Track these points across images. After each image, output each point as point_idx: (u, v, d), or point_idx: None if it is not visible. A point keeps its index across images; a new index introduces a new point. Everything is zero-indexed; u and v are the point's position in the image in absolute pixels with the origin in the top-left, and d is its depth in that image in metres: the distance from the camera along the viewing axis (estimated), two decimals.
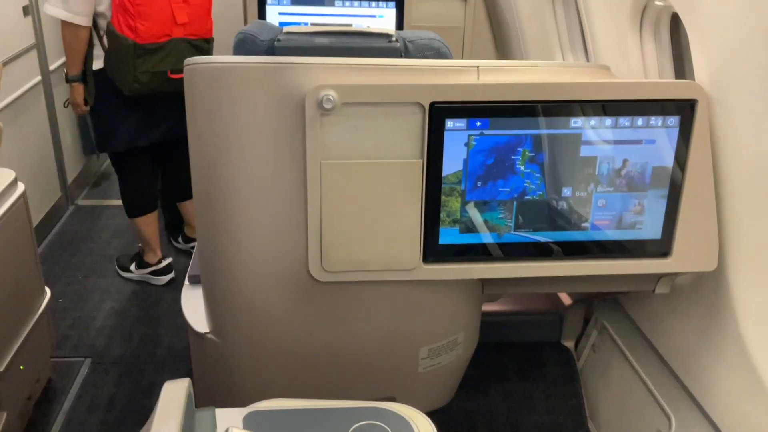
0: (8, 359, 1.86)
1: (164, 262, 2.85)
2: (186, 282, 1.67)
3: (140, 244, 2.89)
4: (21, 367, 1.96)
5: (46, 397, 2.19)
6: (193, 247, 3.03)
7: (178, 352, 2.45)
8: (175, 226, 3.18)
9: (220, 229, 1.39)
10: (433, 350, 1.54)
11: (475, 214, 1.36)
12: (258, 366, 1.47)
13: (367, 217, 1.33)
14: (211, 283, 1.45)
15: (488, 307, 2.19)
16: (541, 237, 1.39)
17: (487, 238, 1.38)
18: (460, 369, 1.69)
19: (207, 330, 1.50)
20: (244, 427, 1.13)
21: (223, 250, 1.40)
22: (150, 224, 2.79)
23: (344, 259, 1.35)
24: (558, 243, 1.40)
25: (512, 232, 1.38)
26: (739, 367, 1.45)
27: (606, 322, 2.09)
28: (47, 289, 2.19)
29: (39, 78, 3.24)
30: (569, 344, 2.19)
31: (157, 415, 0.64)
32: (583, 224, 1.39)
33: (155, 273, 2.85)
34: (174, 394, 0.67)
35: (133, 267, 2.89)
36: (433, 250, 1.37)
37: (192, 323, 1.53)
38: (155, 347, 2.48)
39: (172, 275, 2.87)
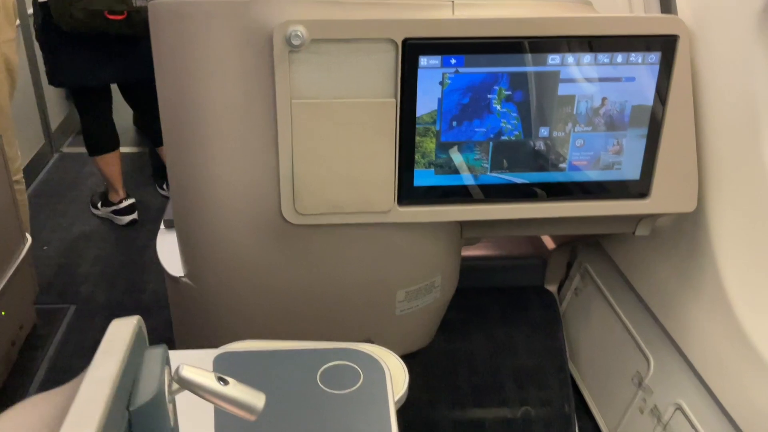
0: None
1: (125, 202, 2.86)
2: (162, 227, 1.66)
3: (105, 183, 2.90)
4: (2, 313, 1.96)
5: (31, 343, 2.20)
6: None
7: (163, 299, 2.45)
8: (160, 173, 3.16)
9: (191, 172, 1.36)
10: (410, 293, 1.54)
11: (450, 155, 1.33)
12: (233, 309, 1.46)
13: (340, 158, 1.30)
14: (184, 227, 1.44)
15: (471, 252, 2.18)
16: (517, 178, 1.37)
17: (462, 179, 1.36)
18: (439, 312, 1.69)
19: (182, 274, 1.48)
20: (214, 369, 1.13)
21: (194, 193, 1.38)
22: (110, 164, 2.77)
23: (317, 202, 1.32)
24: (535, 184, 1.38)
25: (489, 173, 1.36)
26: (717, 308, 1.45)
27: (588, 266, 2.08)
28: (28, 236, 2.18)
29: (17, 22, 3.16)
30: (552, 288, 2.19)
31: (99, 351, 0.62)
32: (561, 165, 1.37)
33: (117, 212, 2.87)
34: (120, 331, 0.66)
35: (99, 204, 2.92)
36: (408, 192, 1.35)
37: (167, 267, 1.51)
38: (140, 294, 2.49)
39: (134, 216, 2.89)
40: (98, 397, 0.54)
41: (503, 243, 2.22)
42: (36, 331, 2.25)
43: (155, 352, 0.70)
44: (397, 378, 1.15)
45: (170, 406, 0.70)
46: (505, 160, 1.35)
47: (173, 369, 0.71)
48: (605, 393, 1.95)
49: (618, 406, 1.86)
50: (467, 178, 1.36)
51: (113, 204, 2.88)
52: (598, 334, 2.01)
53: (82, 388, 0.56)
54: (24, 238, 2.14)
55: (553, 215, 1.40)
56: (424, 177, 1.35)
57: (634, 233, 1.61)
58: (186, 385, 0.70)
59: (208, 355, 1.15)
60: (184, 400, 0.85)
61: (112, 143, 2.76)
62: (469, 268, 2.15)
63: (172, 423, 0.69)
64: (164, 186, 3.14)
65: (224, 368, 1.13)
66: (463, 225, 1.56)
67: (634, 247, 1.80)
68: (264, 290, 1.43)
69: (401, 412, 1.93)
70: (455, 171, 1.35)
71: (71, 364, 2.12)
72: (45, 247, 2.74)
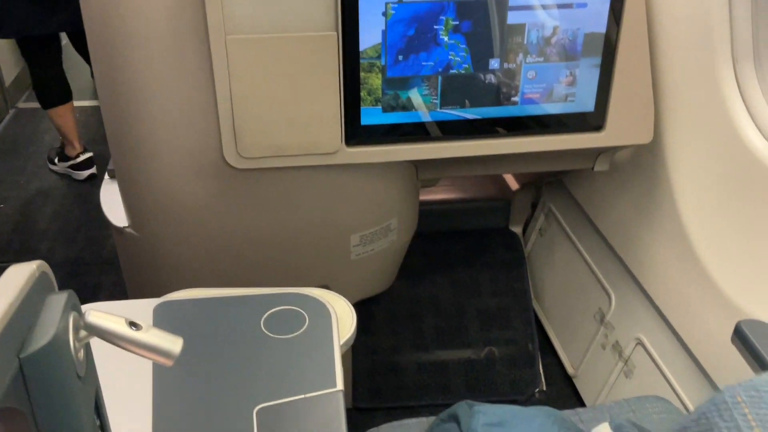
0: None
1: (83, 157, 2.79)
2: (106, 176, 1.60)
3: (61, 138, 2.81)
4: None
5: None
6: None
7: None
8: None
9: (127, 119, 1.30)
10: (365, 237, 1.50)
11: (398, 91, 1.28)
12: (181, 258, 1.42)
13: (282, 97, 1.24)
14: (125, 176, 1.38)
15: (435, 196, 2.15)
16: (469, 114, 1.32)
17: (411, 117, 1.31)
18: (397, 256, 1.66)
19: (126, 224, 1.43)
20: (154, 318, 1.09)
21: (132, 141, 1.32)
22: (63, 116, 2.68)
23: (261, 144, 1.27)
24: (487, 119, 1.33)
25: (438, 109, 1.31)
26: (675, 241, 1.43)
27: (552, 206, 2.06)
28: None
29: None
30: (517, 229, 2.17)
31: None
32: (513, 98, 1.32)
33: (75, 167, 2.79)
34: (14, 275, 0.61)
35: (56, 160, 2.84)
36: (355, 132, 1.30)
37: (111, 218, 1.46)
38: (100, 249, 2.43)
39: (92, 170, 2.81)
40: None
41: (467, 186, 2.19)
42: None
43: (57, 298, 0.65)
44: (344, 321, 1.12)
45: (80, 355, 0.66)
46: (455, 95, 1.30)
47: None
48: (568, 331, 1.95)
49: (581, 343, 1.86)
50: (417, 116, 1.31)
51: (70, 159, 2.80)
52: (561, 273, 2.00)
53: None
54: None
55: (507, 151, 1.36)
56: (371, 115, 1.29)
57: (593, 169, 1.58)
58: (94, 331, 0.66)
59: (149, 304, 1.11)
60: (122, 352, 0.82)
61: (64, 95, 2.67)
62: (433, 212, 2.12)
63: (81, 372, 0.66)
64: None
65: (165, 317, 1.10)
66: (418, 166, 1.52)
67: (594, 184, 1.77)
68: (211, 237, 1.39)
69: (366, 357, 1.93)
70: (404, 108, 1.30)
71: None
72: (2, 205, 2.66)
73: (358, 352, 1.91)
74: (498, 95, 1.31)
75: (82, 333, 0.66)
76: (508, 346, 1.93)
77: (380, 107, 1.29)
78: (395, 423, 1.27)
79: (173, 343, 0.69)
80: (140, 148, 1.31)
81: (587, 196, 1.83)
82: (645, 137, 1.38)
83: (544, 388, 1.90)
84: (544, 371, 1.93)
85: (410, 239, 1.68)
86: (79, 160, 2.78)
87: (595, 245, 1.82)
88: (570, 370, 1.90)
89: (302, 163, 1.31)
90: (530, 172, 2.09)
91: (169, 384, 0.98)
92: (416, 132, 1.33)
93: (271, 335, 1.07)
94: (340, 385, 0.99)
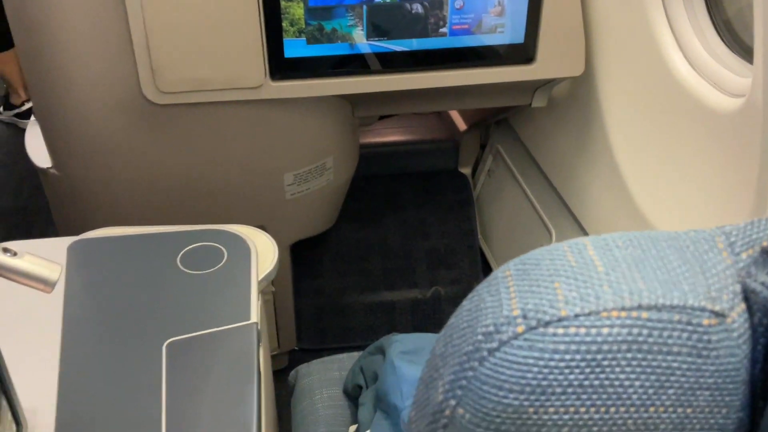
0: None
1: (27, 105, 2.71)
2: (32, 118, 1.55)
3: (5, 85, 2.73)
4: None
5: None
6: None
7: None
8: None
9: (41, 53, 1.25)
10: (299, 176, 1.48)
11: (321, 22, 1.24)
12: (105, 198, 1.39)
13: (200, 27, 1.20)
14: (44, 114, 1.34)
15: (383, 138, 2.12)
16: (396, 46, 1.29)
17: (337, 49, 1.27)
18: (335, 195, 1.64)
19: (49, 165, 1.40)
20: (68, 257, 1.07)
21: (47, 76, 1.27)
22: (7, 63, 2.59)
23: (180, 78, 1.23)
24: (416, 52, 1.30)
25: (365, 41, 1.28)
26: (608, 174, 1.43)
27: (500, 146, 2.05)
28: None
29: None
30: (466, 171, 2.16)
31: None
32: (441, 30, 1.29)
33: (20, 115, 2.72)
34: None
35: (1, 108, 2.76)
36: (280, 65, 1.27)
37: (34, 159, 1.42)
38: (46, 199, 2.38)
39: None
40: None
41: (415, 127, 2.16)
42: None
43: None
44: (265, 256, 1.11)
45: None
46: (382, 27, 1.27)
47: None
48: None
49: None
50: (342, 47, 1.28)
51: (15, 107, 2.72)
52: (508, 213, 2.01)
53: None
54: None
55: (437, 85, 1.34)
56: (295, 47, 1.26)
57: (530, 105, 1.56)
58: None
59: (63, 243, 1.09)
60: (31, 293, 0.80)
61: (6, 41, 2.57)
62: (380, 155, 2.10)
63: None
64: None
65: (79, 256, 1.08)
66: (353, 102, 1.49)
67: (536, 122, 1.76)
68: (135, 176, 1.36)
69: (312, 299, 1.93)
70: (329, 40, 1.26)
71: None
72: None
73: (303, 295, 1.91)
74: (426, 26, 1.28)
75: None
76: (454, 285, 1.94)
77: (304, 39, 1.25)
78: (326, 358, 1.28)
79: (51, 270, 0.67)
80: (56, 84, 1.26)
81: (531, 134, 1.82)
82: (576, 69, 1.37)
83: None
84: None
85: (349, 178, 1.66)
86: (24, 108, 2.70)
87: (538, 184, 1.82)
88: None
89: (225, 98, 1.27)
90: (477, 113, 2.07)
91: (79, 322, 0.97)
92: (344, 65, 1.29)
93: (188, 271, 1.05)
94: (254, 317, 0.99)
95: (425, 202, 2.09)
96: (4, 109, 2.77)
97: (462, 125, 2.15)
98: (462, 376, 0.36)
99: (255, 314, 0.99)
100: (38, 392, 0.87)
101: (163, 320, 0.97)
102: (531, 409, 0.34)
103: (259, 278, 1.06)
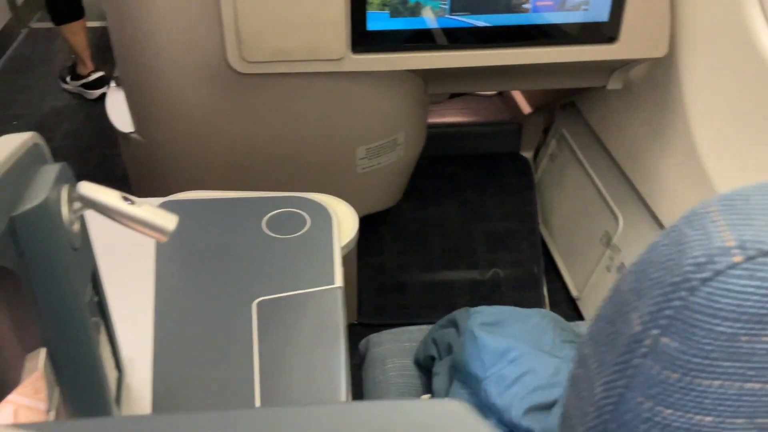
0: None
1: (94, 75, 2.77)
2: (112, 84, 1.59)
3: (73, 56, 2.79)
4: None
5: None
6: None
7: None
8: None
9: (131, 22, 1.28)
10: (371, 150, 1.49)
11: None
12: (185, 164, 1.42)
13: None
14: (130, 81, 1.37)
15: (446, 119, 2.12)
16: (478, 21, 1.29)
17: (420, 23, 1.28)
18: (403, 172, 1.65)
19: (131, 130, 1.43)
20: None
21: (136, 45, 1.30)
22: (76, 33, 2.65)
23: (265, 48, 1.25)
24: (498, 28, 1.30)
25: (448, 15, 1.28)
26: (686, 162, 1.41)
27: (565, 130, 2.03)
28: None
29: None
30: (528, 154, 2.15)
31: None
32: (525, 6, 1.28)
33: (86, 86, 2.78)
34: (7, 142, 0.61)
35: (68, 78, 2.83)
36: (362, 38, 1.28)
37: (116, 124, 1.46)
38: (113, 167, 2.45)
39: (103, 89, 2.79)
40: None
41: (478, 109, 2.16)
42: None
43: (50, 168, 0.66)
44: (346, 225, 1.13)
45: (75, 227, 0.67)
46: (465, 1, 1.27)
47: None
48: (574, 254, 1.95)
49: (585, 266, 1.87)
50: (425, 21, 1.28)
51: (82, 77, 2.79)
52: (571, 198, 1.99)
53: None
54: None
55: (517, 62, 1.33)
56: (378, 20, 1.27)
57: (606, 87, 1.55)
58: (87, 202, 0.67)
59: (152, 203, 1.12)
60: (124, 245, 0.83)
61: (77, 11, 2.63)
62: (443, 135, 2.10)
63: (76, 244, 0.67)
64: None
65: None
66: (426, 79, 1.49)
67: (607, 106, 1.74)
68: (215, 143, 1.38)
69: (372, 276, 1.94)
70: (412, 13, 1.27)
71: None
72: (15, 122, 2.67)
73: (364, 271, 1.93)
74: (509, 2, 1.27)
75: (77, 205, 0.67)
76: (514, 268, 1.94)
77: (388, 12, 1.26)
78: (396, 329, 1.29)
79: (168, 220, 0.70)
80: (144, 52, 1.30)
81: (600, 118, 1.80)
82: (659, 50, 1.34)
83: (548, 310, 1.92)
84: (548, 294, 1.94)
85: (417, 155, 1.67)
86: (91, 78, 2.77)
87: (605, 169, 1.80)
88: (574, 292, 1.91)
89: (307, 69, 1.29)
90: (542, 96, 2.05)
91: (171, 279, 1.00)
92: (425, 40, 1.30)
93: (273, 235, 1.08)
94: (339, 282, 1.00)
95: (486, 185, 2.08)
96: (71, 79, 2.84)
97: (526, 108, 2.13)
98: (667, 306, 0.36)
99: (339, 279, 1.01)
100: (134, 344, 0.90)
101: (251, 280, 1.00)
102: (744, 338, 0.35)
103: (341, 245, 1.08)
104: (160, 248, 1.04)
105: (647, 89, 1.52)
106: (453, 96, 2.03)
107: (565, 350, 0.94)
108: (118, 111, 1.48)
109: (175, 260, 1.03)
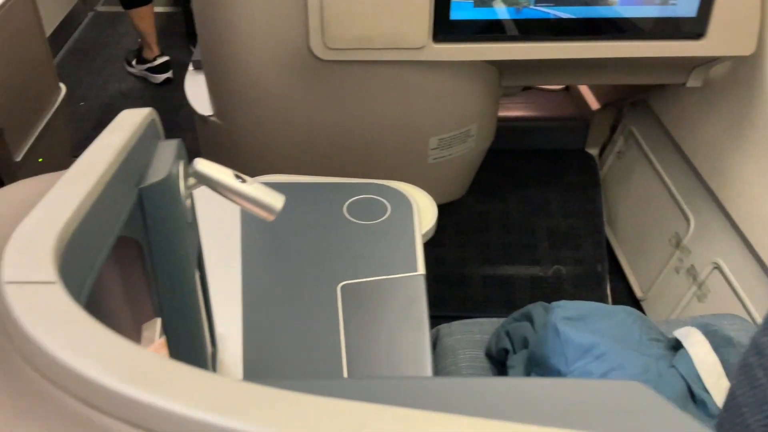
0: (25, 150, 1.87)
1: (160, 60, 2.81)
2: (190, 67, 1.62)
3: (140, 39, 2.84)
4: (40, 160, 1.99)
5: None
6: None
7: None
8: (194, 33, 3.09)
9: (218, 9, 1.30)
10: (443, 141, 1.49)
11: None
12: (261, 147, 1.44)
13: None
14: (211, 64, 1.39)
15: (511, 113, 2.10)
16: (564, 13, 1.27)
17: (503, 13, 1.27)
18: (473, 164, 1.64)
19: (210, 113, 1.46)
20: None
21: (220, 28, 1.32)
22: (144, 18, 2.70)
23: (347, 35, 1.26)
24: (583, 20, 1.28)
25: (532, 6, 1.26)
26: (766, 162, 1.37)
27: (634, 128, 2.00)
28: (62, 86, 2.16)
29: None
30: (593, 151, 2.12)
31: (104, 130, 0.60)
32: None
33: (151, 70, 2.83)
34: (129, 116, 0.63)
35: (134, 62, 2.88)
36: (444, 27, 1.27)
37: (195, 106, 1.49)
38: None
39: (168, 74, 2.84)
40: (101, 158, 0.52)
41: (545, 104, 2.13)
42: None
43: (168, 143, 0.67)
44: (425, 213, 1.13)
45: (188, 202, 0.68)
46: None
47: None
48: (640, 255, 1.91)
49: (652, 267, 1.83)
50: (509, 12, 1.27)
51: (148, 61, 2.84)
52: (638, 197, 1.96)
53: (84, 154, 0.54)
54: (58, 87, 2.13)
55: (598, 56, 1.31)
56: (462, 9, 1.26)
57: (684, 84, 1.51)
58: (202, 179, 0.68)
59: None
60: (213, 226, 0.84)
61: None
62: (508, 129, 2.08)
63: (189, 219, 0.68)
64: (196, 45, 3.08)
65: None
66: (502, 71, 1.48)
67: (683, 104, 1.70)
68: (292, 128, 1.40)
69: (433, 267, 1.94)
70: (497, 3, 1.26)
71: None
72: (82, 103, 2.74)
73: (425, 262, 1.93)
74: None
75: (191, 181, 0.68)
76: (576, 266, 1.92)
77: (471, 1, 1.25)
78: (467, 320, 1.29)
79: (276, 199, 0.71)
80: (228, 37, 1.31)
81: (674, 116, 1.76)
82: (747, 48, 1.31)
83: None
84: (611, 294, 1.91)
85: (487, 148, 1.66)
86: (156, 63, 2.82)
87: (677, 168, 1.76)
88: (638, 293, 1.88)
89: (387, 58, 1.29)
90: (612, 92, 2.02)
91: (257, 259, 1.02)
92: (506, 30, 1.29)
93: (354, 220, 1.09)
94: (421, 269, 1.01)
95: (549, 180, 2.06)
96: (137, 63, 2.90)
97: (594, 104, 2.10)
98: None
99: (422, 266, 1.01)
100: (225, 321, 0.91)
101: (335, 263, 1.01)
102: None
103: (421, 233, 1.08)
104: (246, 229, 1.06)
105: (729, 88, 1.49)
106: (524, 89, 2.01)
107: (653, 348, 0.92)
108: (197, 94, 1.51)
109: (260, 241, 1.05)
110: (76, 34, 3.27)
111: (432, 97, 1.40)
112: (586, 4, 1.26)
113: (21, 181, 0.59)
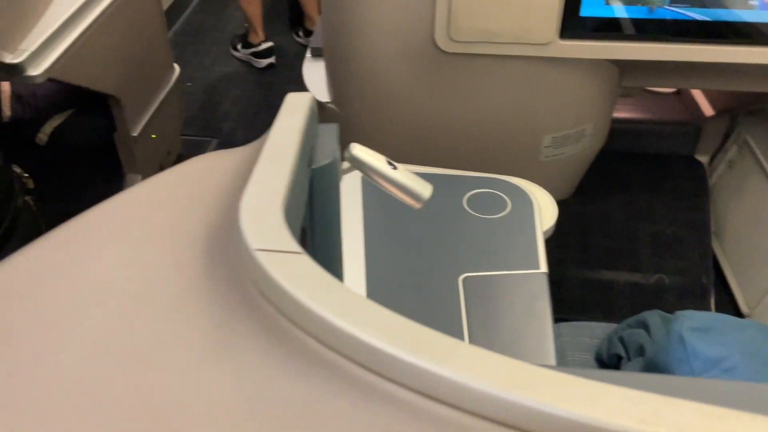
0: (141, 125, 1.96)
1: (264, 45, 2.87)
2: (308, 54, 1.65)
3: (246, 24, 2.91)
4: (153, 136, 2.07)
5: None
6: None
7: None
8: (296, 20, 3.15)
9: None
10: (557, 139, 1.47)
11: None
12: (375, 135, 1.46)
13: None
14: (333, 53, 1.42)
15: (621, 114, 2.05)
16: (697, 14, 1.23)
17: (636, 12, 1.24)
18: (583, 164, 1.62)
19: (327, 100, 1.48)
20: (363, 187, 1.14)
21: (346, 18, 1.34)
22: (252, 3, 2.77)
23: (473, 28, 1.26)
24: (717, 23, 1.24)
25: (666, 6, 1.23)
26: None
27: (749, 137, 1.91)
28: (176, 66, 2.25)
29: None
30: (703, 159, 2.04)
31: (281, 112, 0.62)
32: (751, 2, 1.21)
33: (256, 55, 2.89)
34: (298, 99, 0.65)
35: (239, 46, 2.95)
36: (572, 24, 1.25)
37: (312, 92, 1.52)
38: None
39: (271, 60, 2.90)
40: (290, 140, 0.53)
41: (653, 107, 2.07)
42: (181, 159, 2.38)
43: (328, 127, 0.69)
44: (545, 211, 1.12)
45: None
46: None
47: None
48: (749, 268, 1.84)
49: (761, 282, 1.76)
50: (641, 11, 1.24)
51: (253, 46, 2.91)
52: (749, 208, 1.88)
53: (272, 134, 0.56)
54: (173, 67, 2.22)
55: (733, 60, 1.27)
56: (592, 6, 1.24)
57: None
58: (356, 163, 0.70)
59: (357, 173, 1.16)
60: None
61: None
62: (615, 131, 2.03)
63: (340, 201, 0.70)
64: (300, 33, 3.13)
65: (373, 186, 1.14)
66: (623, 70, 1.44)
67: None
68: (408, 119, 1.41)
69: None
70: (629, 1, 1.23)
71: None
72: (189, 84, 2.84)
73: None
74: None
75: (345, 165, 0.70)
76: (680, 276, 1.86)
77: None
78: (575, 323, 1.27)
79: (424, 188, 0.72)
80: (353, 26, 1.33)
81: None
82: None
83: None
84: (715, 307, 1.84)
85: (599, 149, 1.63)
86: (260, 48, 2.89)
87: None
88: (744, 308, 1.81)
89: (511, 52, 1.28)
90: (729, 99, 1.94)
91: (379, 244, 1.03)
92: (638, 29, 1.26)
93: (474, 213, 1.09)
94: (543, 267, 1.00)
95: (655, 186, 2.00)
96: (242, 47, 2.97)
97: (707, 109, 2.02)
98: None
99: (544, 264, 1.00)
100: None
101: (456, 255, 1.01)
102: None
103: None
104: (368, 216, 1.07)
105: None
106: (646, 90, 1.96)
107: None
108: (314, 80, 1.54)
109: (382, 229, 1.07)
110: (184, 16, 3.38)
111: (551, 94, 1.38)
112: (725, 6, 1.22)
113: (197, 157, 0.62)
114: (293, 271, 0.33)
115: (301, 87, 2.79)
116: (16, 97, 1.93)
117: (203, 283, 0.36)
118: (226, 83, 2.85)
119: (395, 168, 0.70)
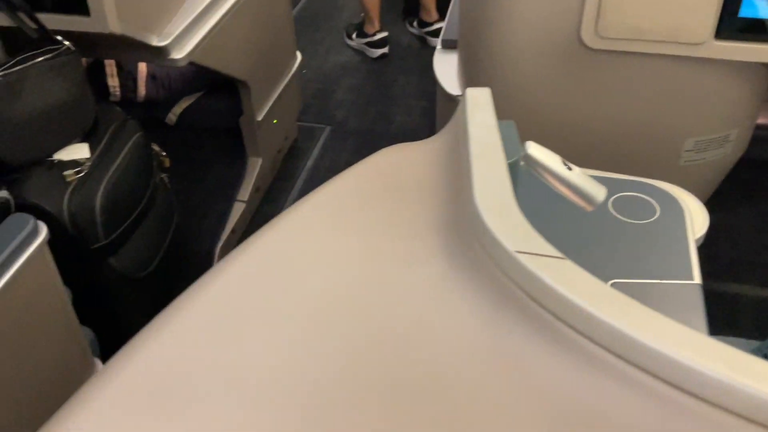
0: (265, 110, 2.01)
1: (378, 35, 2.89)
2: (438, 46, 1.64)
3: (363, 14, 2.93)
4: (275, 121, 2.13)
5: (293, 154, 2.38)
6: (427, 33, 3.00)
7: (408, 131, 2.51)
8: (411, 11, 3.15)
9: None
10: (699, 143, 1.40)
11: None
12: None
13: None
14: (470, 46, 1.40)
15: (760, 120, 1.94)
16: None
17: None
18: (723, 171, 1.54)
19: (459, 93, 1.47)
20: None
21: (487, 11, 1.33)
22: None
23: (622, 25, 1.21)
24: None
25: None
26: None
27: None
28: (298, 54, 2.29)
29: None
30: None
31: (468, 107, 0.62)
32: None
33: (370, 44, 2.91)
34: (479, 96, 0.64)
35: (354, 35, 2.98)
36: (730, 23, 1.19)
37: (444, 85, 1.51)
38: (388, 124, 2.57)
39: (385, 50, 2.91)
40: (491, 137, 0.53)
41: None
42: (297, 144, 2.43)
43: (506, 124, 0.68)
44: (696, 219, 1.07)
45: None
46: None
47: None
48: None
49: None
50: None
51: (367, 36, 2.93)
52: None
53: (471, 130, 0.56)
54: (295, 55, 2.27)
55: None
56: (753, 6, 1.17)
57: None
58: (532, 162, 0.69)
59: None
60: None
61: None
62: (754, 138, 1.93)
63: None
64: (414, 23, 3.13)
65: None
66: None
67: None
68: (543, 115, 1.38)
69: None
70: None
71: (325, 176, 2.26)
72: (304, 71, 2.89)
73: None
74: None
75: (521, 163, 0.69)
76: None
77: None
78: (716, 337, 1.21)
79: (598, 190, 0.70)
80: (494, 19, 1.32)
81: None
82: None
83: None
84: None
85: (740, 156, 1.54)
86: (375, 38, 2.91)
87: None
88: None
89: (661, 51, 1.23)
90: None
91: None
92: None
93: (620, 217, 1.05)
94: (697, 279, 0.96)
95: None
96: (356, 36, 3.00)
97: None
98: None
99: (698, 276, 0.96)
100: None
101: (603, 259, 0.98)
102: None
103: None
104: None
105: None
106: None
107: None
108: (444, 72, 1.53)
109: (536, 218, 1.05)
110: (301, 4, 3.45)
111: (698, 96, 1.32)
112: None
113: (381, 152, 0.63)
114: (567, 278, 0.32)
115: (414, 77, 2.79)
116: (151, 77, 2.02)
117: (456, 277, 0.36)
118: (339, 72, 2.89)
119: (570, 169, 0.69)
